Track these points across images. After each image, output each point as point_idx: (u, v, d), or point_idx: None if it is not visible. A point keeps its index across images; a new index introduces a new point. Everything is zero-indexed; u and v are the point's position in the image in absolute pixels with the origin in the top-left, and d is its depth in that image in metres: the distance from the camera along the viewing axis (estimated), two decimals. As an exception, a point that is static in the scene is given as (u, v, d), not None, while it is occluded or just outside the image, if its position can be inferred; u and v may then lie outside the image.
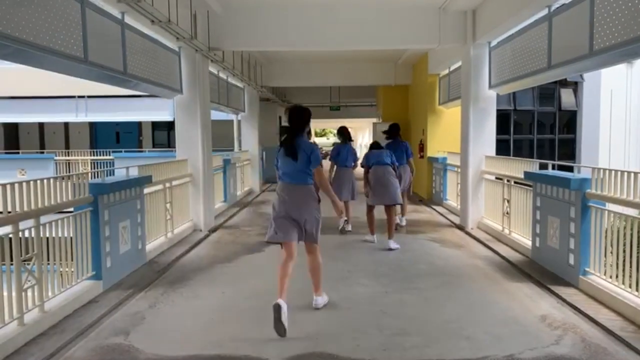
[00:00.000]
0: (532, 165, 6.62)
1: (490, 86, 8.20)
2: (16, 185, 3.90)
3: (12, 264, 3.86)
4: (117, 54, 5.85)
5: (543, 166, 6.38)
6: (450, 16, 8.29)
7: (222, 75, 11.07)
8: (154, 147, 21.04)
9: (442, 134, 12.06)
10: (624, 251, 4.47)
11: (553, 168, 6.12)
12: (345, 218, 8.20)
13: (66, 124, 20.81)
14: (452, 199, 10.58)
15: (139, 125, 21.35)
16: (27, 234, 4.07)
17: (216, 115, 11.17)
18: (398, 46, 10.30)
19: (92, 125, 21.06)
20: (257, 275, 5.84)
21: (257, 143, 14.64)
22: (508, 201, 7.24)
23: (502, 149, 14.66)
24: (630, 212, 4.51)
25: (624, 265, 4.44)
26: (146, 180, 6.23)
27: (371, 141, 8.49)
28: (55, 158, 16.62)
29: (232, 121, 14.69)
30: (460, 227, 8.51)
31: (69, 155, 18.23)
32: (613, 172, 4.63)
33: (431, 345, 3.83)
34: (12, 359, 3.54)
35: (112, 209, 5.29)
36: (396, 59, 13.55)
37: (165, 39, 7.26)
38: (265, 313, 4.54)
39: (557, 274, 5.45)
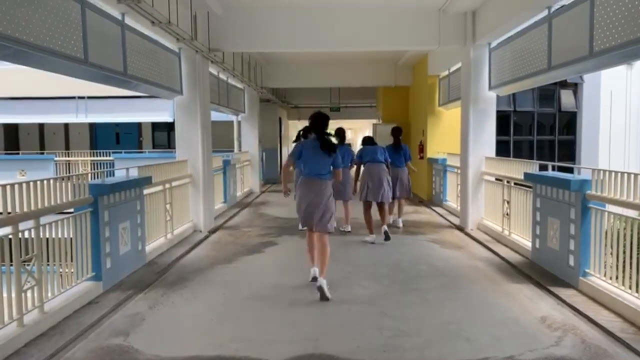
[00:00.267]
0: (532, 167, 6.62)
1: (490, 87, 8.21)
2: (16, 186, 3.90)
3: (12, 265, 3.86)
4: (117, 55, 5.85)
5: (543, 167, 6.39)
6: (450, 17, 8.30)
7: (222, 76, 11.08)
8: (154, 148, 21.03)
9: (442, 135, 12.07)
10: (624, 252, 4.47)
11: (553, 169, 6.12)
12: (349, 229, 8.30)
13: (66, 125, 20.80)
14: (452, 200, 10.58)
15: (139, 126, 21.34)
16: (27, 234, 4.07)
17: (216, 116, 11.17)
18: (398, 47, 10.33)
19: (92, 126, 21.05)
20: (257, 276, 5.84)
21: (257, 144, 14.64)
22: (508, 202, 7.24)
23: (502, 150, 14.67)
24: (630, 213, 4.51)
25: (624, 266, 4.44)
26: (146, 181, 6.23)
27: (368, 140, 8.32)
28: (55, 159, 16.60)
29: (232, 122, 14.69)
30: (460, 228, 8.51)
31: (69, 156, 18.21)
32: (613, 173, 4.63)
33: (431, 346, 3.83)
34: (11, 360, 3.54)
35: (112, 209, 5.29)
36: (396, 60, 13.56)
37: (165, 40, 7.27)
38: (264, 313, 4.55)
39: (557, 275, 5.45)
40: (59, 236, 4.52)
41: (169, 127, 19.49)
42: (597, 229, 4.87)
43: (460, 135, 8.71)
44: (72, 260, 4.77)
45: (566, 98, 18.41)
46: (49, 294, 4.30)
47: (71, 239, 4.73)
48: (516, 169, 7.02)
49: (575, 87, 18.37)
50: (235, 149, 14.35)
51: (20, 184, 3.95)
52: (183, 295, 5.05)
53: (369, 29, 8.41)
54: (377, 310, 4.60)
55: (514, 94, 16.80)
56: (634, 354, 3.58)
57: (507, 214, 7.25)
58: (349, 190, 7.93)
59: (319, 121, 5.23)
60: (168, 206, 7.25)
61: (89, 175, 5.46)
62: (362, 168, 7.83)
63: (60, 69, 4.94)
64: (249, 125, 14.51)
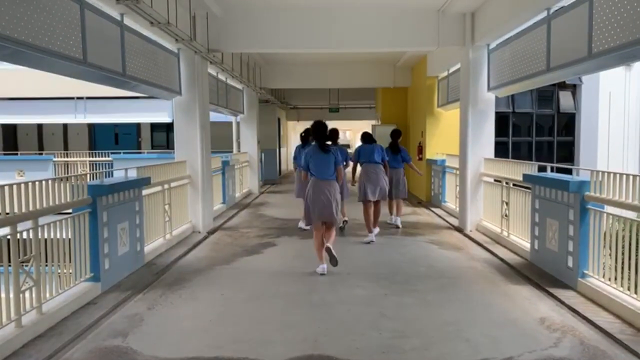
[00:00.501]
0: (530, 168, 6.62)
1: (489, 89, 8.22)
2: (14, 187, 3.89)
3: (10, 266, 3.85)
4: (116, 56, 5.84)
5: (542, 168, 6.39)
6: (449, 18, 8.31)
7: (221, 76, 11.08)
8: (152, 148, 21.03)
9: (441, 136, 12.08)
10: (623, 254, 4.47)
11: (552, 170, 6.13)
12: (345, 219, 8.50)
13: (65, 125, 20.80)
14: (450, 201, 10.58)
15: (137, 126, 21.35)
16: (25, 235, 4.06)
17: (215, 116, 11.17)
18: (397, 48, 10.33)
19: (91, 127, 21.05)
20: (256, 277, 5.83)
21: (256, 144, 14.65)
22: (507, 203, 7.24)
23: (501, 151, 14.68)
24: (629, 214, 4.52)
25: (622, 267, 4.44)
26: (145, 182, 6.22)
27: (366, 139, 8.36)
28: (54, 159, 16.60)
29: (231, 123, 14.69)
30: (459, 230, 8.51)
31: (67, 157, 18.21)
32: (612, 174, 4.64)
33: (430, 347, 3.83)
34: (9, 361, 3.53)
35: (110, 210, 5.28)
36: (395, 61, 13.57)
37: (164, 40, 7.26)
38: (263, 314, 4.55)
39: (555, 276, 5.46)
40: (58, 237, 4.51)
41: (168, 128, 19.50)
42: (596, 231, 4.88)
43: (459, 137, 8.72)
44: (70, 261, 4.75)
45: (565, 99, 18.41)
46: (47, 295, 4.29)
47: (70, 239, 4.72)
48: (515, 170, 7.03)
49: (574, 89, 18.37)
50: (234, 150, 14.35)
51: (18, 184, 3.94)
52: (182, 296, 5.04)
53: (368, 29, 8.42)
54: (376, 311, 4.59)
55: (512, 95, 16.79)
56: (633, 355, 3.58)
57: (506, 215, 7.26)
58: (345, 192, 8.00)
59: (317, 129, 6.05)
60: (167, 207, 7.24)
61: (88, 175, 5.46)
62: (358, 167, 7.95)
63: (59, 70, 4.93)
64: (247, 126, 14.50)
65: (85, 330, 4.07)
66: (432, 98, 12.25)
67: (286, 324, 4.30)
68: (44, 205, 4.25)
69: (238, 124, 14.47)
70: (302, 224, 8.65)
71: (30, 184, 4.08)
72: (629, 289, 4.35)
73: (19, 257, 3.92)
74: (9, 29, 3.88)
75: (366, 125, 23.68)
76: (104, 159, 17.36)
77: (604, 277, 4.77)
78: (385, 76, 14.37)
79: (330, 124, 7.09)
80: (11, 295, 3.84)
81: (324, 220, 5.99)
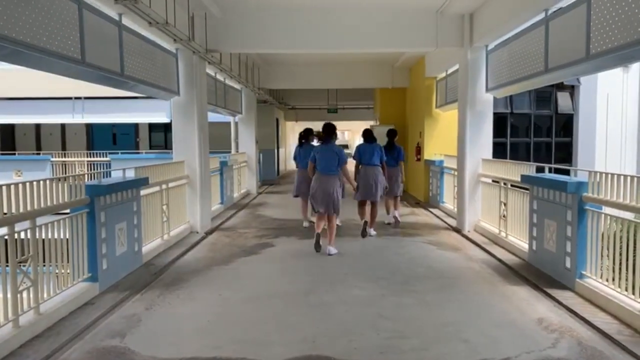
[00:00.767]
0: (528, 169, 6.63)
1: (487, 89, 8.23)
2: (12, 187, 3.88)
3: (7, 266, 3.84)
4: (114, 56, 5.84)
5: (540, 169, 6.40)
6: (448, 19, 8.32)
7: (219, 77, 11.07)
8: (150, 148, 21.01)
9: (439, 136, 12.09)
10: (620, 254, 4.48)
11: (550, 171, 6.13)
12: (339, 223, 8.56)
13: (63, 125, 20.76)
14: (449, 202, 10.59)
15: (135, 126, 21.32)
16: (23, 235, 4.05)
17: (213, 117, 11.17)
18: (396, 49, 10.35)
19: (89, 127, 21.02)
20: (254, 277, 5.83)
21: (254, 145, 14.64)
22: (505, 204, 7.25)
23: (499, 152, 14.68)
24: (626, 215, 4.52)
25: (620, 268, 4.45)
26: (143, 182, 6.21)
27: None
28: (52, 159, 16.58)
29: (229, 123, 14.68)
30: (457, 230, 8.52)
31: (65, 157, 18.17)
32: (609, 175, 4.65)
33: (428, 348, 3.83)
34: (7, 362, 3.53)
35: (108, 210, 5.27)
36: (393, 61, 13.58)
37: (162, 40, 7.26)
38: (262, 314, 4.54)
39: (553, 277, 5.46)
40: (55, 237, 4.50)
41: (166, 128, 19.46)
42: (594, 231, 4.89)
43: (457, 137, 8.73)
44: (68, 261, 4.75)
45: (563, 100, 18.44)
46: (45, 295, 4.28)
47: (67, 239, 4.71)
48: (513, 170, 7.04)
49: (572, 90, 18.40)
50: (233, 150, 14.34)
51: (16, 184, 3.93)
52: (180, 297, 5.03)
53: (366, 30, 8.42)
54: (375, 311, 4.59)
55: (511, 96, 16.83)
56: (631, 356, 3.59)
57: (504, 216, 7.26)
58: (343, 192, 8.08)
59: (326, 128, 7.00)
60: (165, 207, 7.23)
61: (86, 176, 5.45)
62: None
63: (57, 70, 4.91)
64: (246, 126, 14.50)
65: (83, 331, 4.06)
66: (431, 99, 12.27)
67: (285, 324, 4.30)
68: (42, 205, 4.24)
69: (236, 124, 14.47)
70: (305, 224, 8.86)
71: (27, 184, 4.07)
72: (626, 290, 4.36)
73: (17, 257, 3.90)
74: (7, 28, 3.87)
75: (364, 126, 23.66)
76: (101, 159, 17.33)
77: (601, 277, 4.78)
78: (384, 77, 14.38)
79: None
80: (9, 296, 3.83)
81: (325, 211, 6.77)
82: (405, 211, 10.63)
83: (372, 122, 18.79)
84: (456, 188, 9.27)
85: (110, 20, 5.75)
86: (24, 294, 3.98)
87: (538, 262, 5.93)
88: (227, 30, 8.34)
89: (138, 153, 19.66)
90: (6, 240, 3.83)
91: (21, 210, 3.97)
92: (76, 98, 16.81)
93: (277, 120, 20.21)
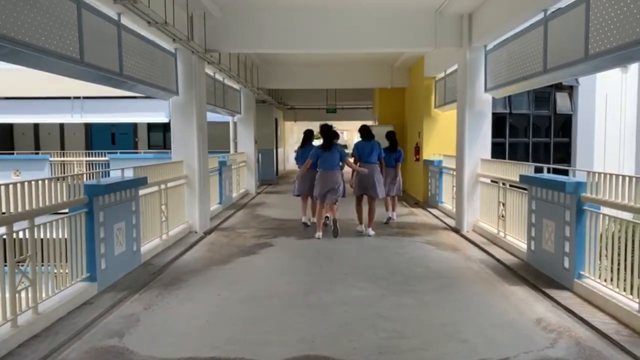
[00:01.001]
0: (527, 169, 6.63)
1: (486, 89, 8.23)
2: (11, 186, 3.87)
3: (5, 266, 3.83)
4: (113, 55, 5.83)
5: (538, 169, 6.40)
6: (447, 19, 8.32)
7: (218, 77, 11.06)
8: (149, 148, 20.99)
9: (438, 137, 12.09)
10: (619, 255, 4.48)
11: (548, 171, 6.14)
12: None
13: (61, 125, 20.73)
14: (447, 202, 10.60)
15: (134, 126, 21.30)
16: (21, 235, 4.04)
17: (212, 117, 11.16)
18: (394, 49, 10.34)
19: (88, 127, 20.99)
20: (253, 277, 5.83)
21: (253, 145, 14.64)
22: (503, 204, 7.26)
23: (498, 152, 14.71)
24: (625, 215, 4.53)
25: (618, 268, 4.45)
26: (141, 182, 6.21)
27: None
28: (50, 159, 16.55)
29: (228, 123, 14.67)
30: (456, 230, 8.53)
31: (64, 156, 18.12)
32: (608, 175, 4.65)
33: (427, 348, 3.83)
34: (5, 361, 3.52)
35: (107, 210, 5.27)
36: (392, 61, 13.58)
37: (161, 40, 7.25)
38: (260, 314, 4.54)
39: (552, 277, 5.47)
40: (54, 237, 4.50)
41: (165, 128, 19.46)
42: (592, 231, 4.89)
43: (456, 137, 8.73)
44: (66, 261, 4.74)
45: (562, 101, 18.46)
46: (43, 295, 4.28)
47: (66, 239, 4.71)
48: (512, 171, 7.04)
49: (570, 90, 18.43)
50: (232, 150, 14.34)
51: (14, 184, 3.93)
52: (178, 297, 5.03)
53: (365, 30, 8.42)
54: (374, 311, 4.59)
55: (509, 96, 16.85)
56: (629, 356, 3.59)
57: (503, 216, 7.27)
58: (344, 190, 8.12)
59: (323, 130, 7.78)
60: (163, 207, 7.23)
61: (84, 175, 5.44)
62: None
63: (55, 69, 4.91)
64: (245, 126, 14.50)
65: (81, 331, 4.06)
66: (430, 99, 12.27)
67: (283, 324, 4.30)
68: (40, 205, 4.24)
69: (235, 124, 14.46)
70: (305, 220, 8.99)
71: (26, 183, 4.07)
72: (625, 290, 4.36)
73: (15, 257, 3.90)
74: (6, 28, 3.87)
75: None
76: (100, 158, 17.30)
77: (600, 278, 4.79)
78: (383, 77, 14.38)
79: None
80: (7, 295, 3.82)
81: (328, 199, 7.60)
82: (404, 211, 10.64)
83: (371, 122, 18.80)
84: (455, 188, 9.28)
85: (109, 20, 5.74)
86: (23, 294, 3.98)
87: (536, 262, 5.94)
88: (226, 30, 8.34)
89: (137, 153, 19.64)
90: (5, 239, 3.82)
91: (19, 209, 3.97)
92: (75, 98, 16.78)
93: (276, 120, 20.20)
